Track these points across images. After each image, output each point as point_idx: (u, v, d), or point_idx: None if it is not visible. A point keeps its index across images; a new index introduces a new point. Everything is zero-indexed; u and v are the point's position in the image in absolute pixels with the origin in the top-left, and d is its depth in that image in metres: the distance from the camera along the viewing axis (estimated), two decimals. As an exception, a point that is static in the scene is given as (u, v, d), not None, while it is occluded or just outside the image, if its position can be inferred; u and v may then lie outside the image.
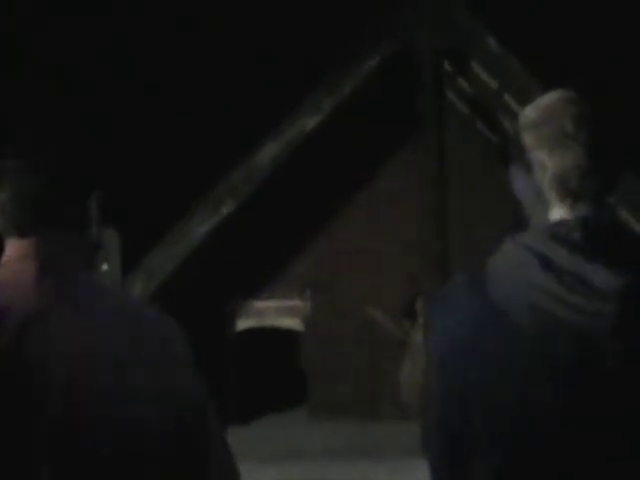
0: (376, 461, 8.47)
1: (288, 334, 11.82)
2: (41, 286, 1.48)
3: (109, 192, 1.64)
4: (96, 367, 1.45)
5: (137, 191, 10.65)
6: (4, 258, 1.55)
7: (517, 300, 1.46)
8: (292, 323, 11.72)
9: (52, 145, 1.58)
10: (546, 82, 8.85)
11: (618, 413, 1.41)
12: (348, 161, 11.21)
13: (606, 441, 1.41)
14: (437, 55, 9.90)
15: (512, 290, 1.47)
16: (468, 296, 1.52)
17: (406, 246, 11.09)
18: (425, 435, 1.57)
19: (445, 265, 9.33)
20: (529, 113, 1.58)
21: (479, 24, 9.96)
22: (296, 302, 11.63)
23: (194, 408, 1.53)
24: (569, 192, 1.52)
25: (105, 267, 8.20)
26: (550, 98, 1.58)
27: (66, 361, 1.44)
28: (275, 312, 11.70)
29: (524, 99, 8.45)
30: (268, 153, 10.42)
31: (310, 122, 10.39)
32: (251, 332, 11.63)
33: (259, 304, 11.64)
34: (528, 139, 1.56)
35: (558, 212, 1.54)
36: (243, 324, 11.66)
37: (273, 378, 11.61)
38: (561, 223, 1.51)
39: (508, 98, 10.12)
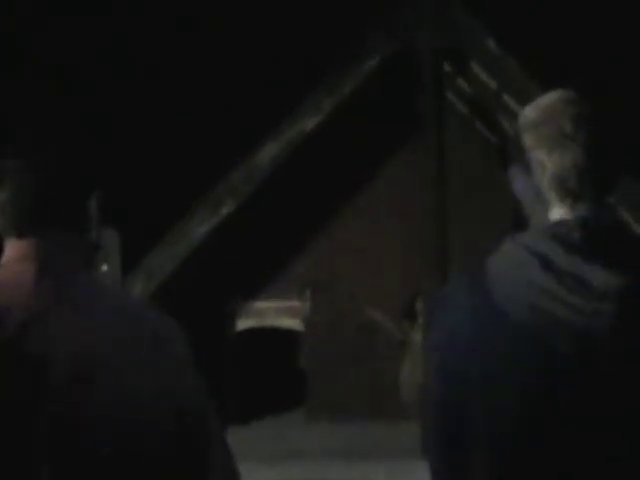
0: (376, 461, 8.47)
1: (288, 334, 11.82)
2: (40, 287, 1.48)
3: (109, 192, 1.64)
4: (96, 368, 1.45)
5: (137, 191, 10.65)
6: (4, 259, 1.54)
7: (517, 300, 1.46)
8: (292, 323, 11.72)
9: (52, 145, 1.58)
10: (545, 83, 8.85)
11: (617, 413, 1.41)
12: (348, 161, 11.21)
13: (606, 441, 1.41)
14: (437, 55, 9.90)
15: (512, 290, 1.47)
16: (468, 296, 1.53)
17: (406, 246, 11.09)
18: (425, 436, 1.57)
19: (445, 265, 9.33)
20: (528, 113, 1.58)
21: (479, 25, 9.96)
22: (296, 302, 11.63)
23: (194, 408, 1.53)
24: (568, 192, 1.52)
25: (105, 267, 8.20)
26: (549, 98, 1.58)
27: (66, 361, 1.44)
28: (275, 312, 11.70)
29: (523, 99, 8.44)
30: (268, 153, 10.43)
31: (310, 122, 10.39)
32: (251, 332, 11.63)
33: (259, 304, 11.64)
34: (527, 139, 1.56)
35: (558, 212, 1.54)
36: (243, 324, 11.66)
37: (273, 378, 11.60)
38: (561, 223, 1.51)
39: (507, 98, 10.12)
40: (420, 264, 10.01)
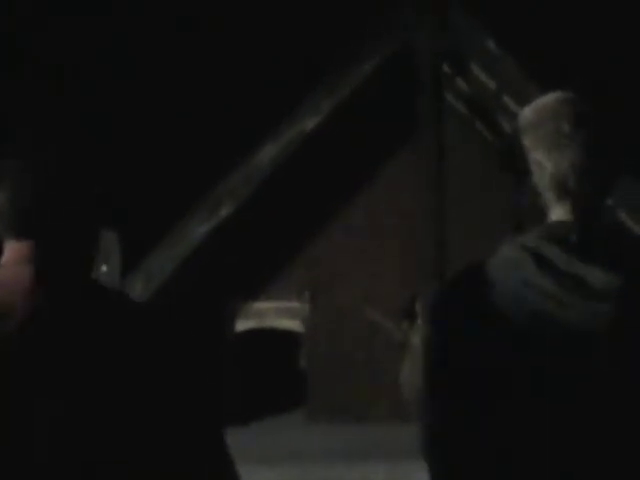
0: (375, 462, 8.47)
1: (288, 335, 11.82)
2: (38, 289, 1.48)
3: (109, 193, 1.64)
4: (95, 371, 1.45)
5: (137, 192, 10.65)
6: (2, 260, 1.54)
7: (515, 301, 1.46)
8: (292, 324, 11.73)
9: (52, 145, 1.58)
10: (544, 83, 8.86)
11: (617, 413, 1.41)
12: (347, 162, 11.22)
13: (605, 442, 1.41)
14: (436, 56, 9.91)
15: (510, 291, 1.47)
16: (467, 297, 1.53)
17: (405, 246, 11.09)
18: (423, 438, 1.57)
19: (444, 266, 9.33)
20: (527, 114, 1.58)
21: (478, 25, 9.97)
22: (296, 303, 11.64)
23: (194, 409, 1.53)
24: (567, 193, 1.52)
25: (104, 268, 8.20)
26: (548, 99, 1.58)
27: (64, 365, 1.44)
28: (275, 313, 11.70)
29: (523, 100, 8.46)
30: (267, 154, 10.43)
31: (309, 123, 10.39)
32: (251, 333, 11.63)
33: (259, 305, 11.64)
34: (526, 140, 1.56)
35: (556, 213, 1.54)
36: (243, 325, 11.66)
37: (273, 379, 11.60)
38: (559, 224, 1.51)
39: (507, 99, 10.13)
40: (419, 265, 10.01)
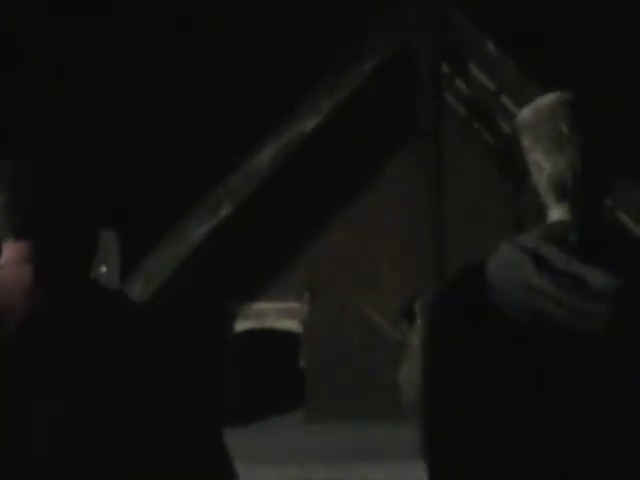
0: (375, 463, 8.47)
1: (287, 336, 11.82)
2: (38, 289, 1.48)
3: (109, 193, 1.64)
4: (94, 371, 1.45)
5: (137, 192, 10.65)
6: (1, 261, 1.54)
7: (514, 301, 1.46)
8: (291, 325, 11.73)
9: (51, 146, 1.58)
10: (544, 84, 8.86)
11: (616, 414, 1.41)
12: (347, 162, 11.21)
13: (604, 443, 1.41)
14: (436, 56, 9.91)
15: (509, 291, 1.47)
16: (465, 296, 1.53)
17: (405, 247, 11.09)
18: (423, 438, 1.57)
19: (443, 266, 9.33)
20: (526, 115, 1.58)
21: (477, 26, 9.96)
22: (295, 304, 11.63)
23: (193, 409, 1.53)
24: (566, 193, 1.52)
25: (104, 269, 8.20)
26: (547, 100, 1.58)
27: (63, 365, 1.44)
28: (274, 314, 11.70)
29: (522, 101, 8.46)
30: (267, 155, 10.43)
31: (309, 123, 10.39)
32: (250, 334, 11.63)
33: (258, 306, 11.64)
34: (525, 141, 1.56)
35: (555, 213, 1.54)
36: (242, 325, 11.66)
37: (272, 379, 11.60)
38: (558, 224, 1.51)
39: (506, 100, 10.13)
40: (419, 265, 10.02)
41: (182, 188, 10.68)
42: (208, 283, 10.92)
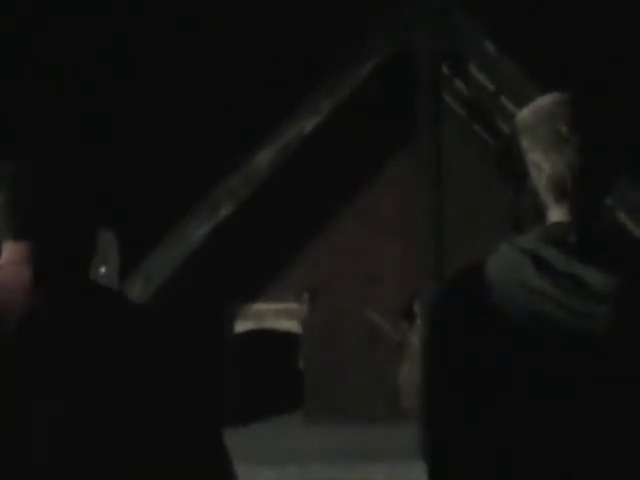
0: (375, 463, 8.47)
1: (286, 336, 11.82)
2: (37, 289, 1.48)
3: (108, 194, 1.64)
4: (93, 371, 1.45)
5: (137, 192, 10.65)
6: (1, 261, 1.54)
7: (513, 302, 1.46)
8: (290, 325, 11.73)
9: (52, 145, 1.58)
10: (543, 84, 8.86)
11: (616, 414, 1.41)
12: (347, 162, 11.22)
13: (603, 442, 1.41)
14: (435, 57, 9.91)
15: (508, 292, 1.47)
16: (465, 297, 1.53)
17: (405, 247, 11.10)
18: (423, 438, 1.57)
19: (443, 267, 9.33)
20: (525, 115, 1.58)
21: (477, 26, 9.97)
22: (294, 304, 11.64)
23: (193, 410, 1.53)
24: (565, 194, 1.52)
25: (103, 269, 8.20)
26: (545, 100, 1.58)
27: (63, 365, 1.44)
28: (273, 314, 11.70)
29: (521, 101, 8.45)
30: (266, 155, 10.43)
31: (309, 124, 10.39)
32: (250, 334, 11.63)
33: (258, 306, 11.64)
34: (524, 141, 1.56)
35: (555, 214, 1.54)
36: (242, 326, 11.66)
37: (271, 380, 11.61)
38: (557, 225, 1.51)
39: (505, 100, 10.13)
40: (419, 265, 10.02)
41: (182, 188, 10.68)
42: (208, 284, 10.92)
